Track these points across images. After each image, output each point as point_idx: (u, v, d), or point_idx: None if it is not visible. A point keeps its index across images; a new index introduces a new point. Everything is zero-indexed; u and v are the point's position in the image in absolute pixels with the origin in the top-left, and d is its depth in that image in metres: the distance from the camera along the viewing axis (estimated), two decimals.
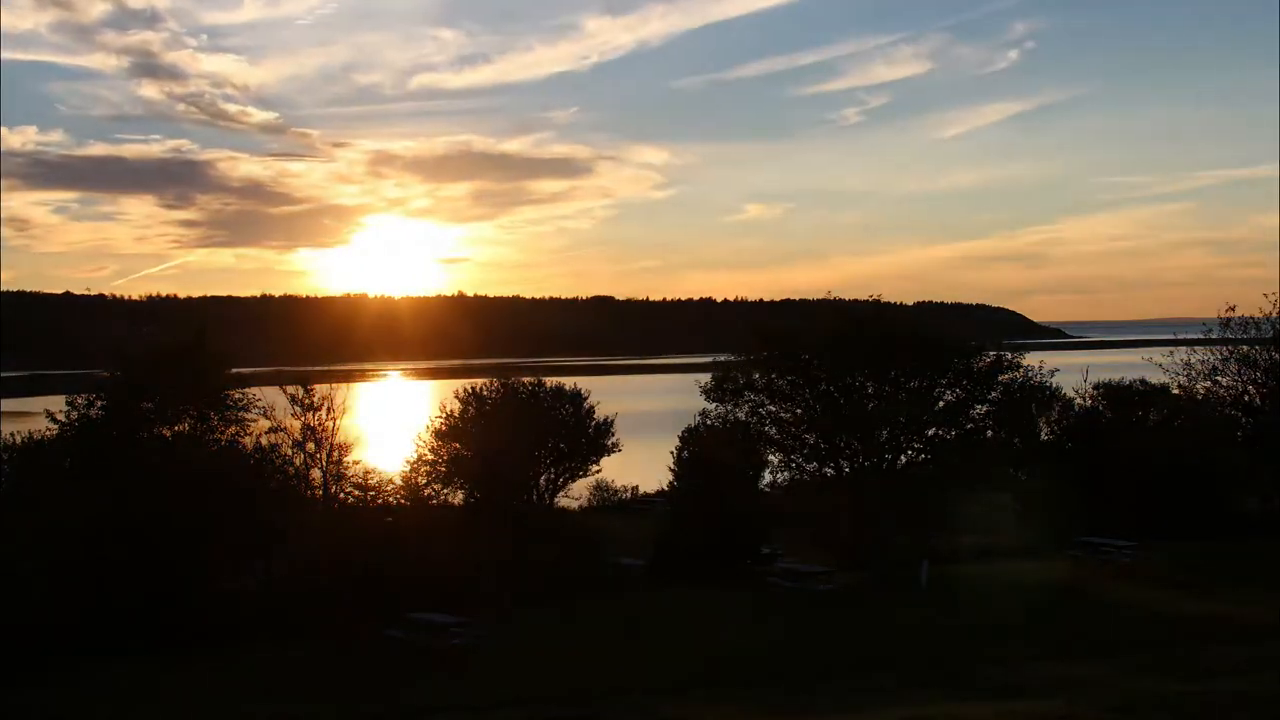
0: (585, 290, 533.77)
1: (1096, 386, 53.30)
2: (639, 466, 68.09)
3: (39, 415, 44.72)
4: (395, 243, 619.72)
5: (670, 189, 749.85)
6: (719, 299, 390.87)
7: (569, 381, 58.16)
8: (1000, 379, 40.99)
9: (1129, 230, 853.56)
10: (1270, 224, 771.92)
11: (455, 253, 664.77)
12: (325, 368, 47.04)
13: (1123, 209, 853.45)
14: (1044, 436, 50.90)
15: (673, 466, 47.96)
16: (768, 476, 45.38)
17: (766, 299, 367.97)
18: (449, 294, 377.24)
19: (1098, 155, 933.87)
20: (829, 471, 41.70)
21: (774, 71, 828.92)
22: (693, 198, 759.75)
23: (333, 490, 42.12)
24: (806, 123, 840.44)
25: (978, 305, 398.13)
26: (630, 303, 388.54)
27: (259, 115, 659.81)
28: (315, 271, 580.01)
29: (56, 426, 41.47)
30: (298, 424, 42.29)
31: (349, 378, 45.29)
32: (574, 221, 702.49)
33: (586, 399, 55.57)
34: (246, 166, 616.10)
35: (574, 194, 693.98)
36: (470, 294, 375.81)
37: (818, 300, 51.98)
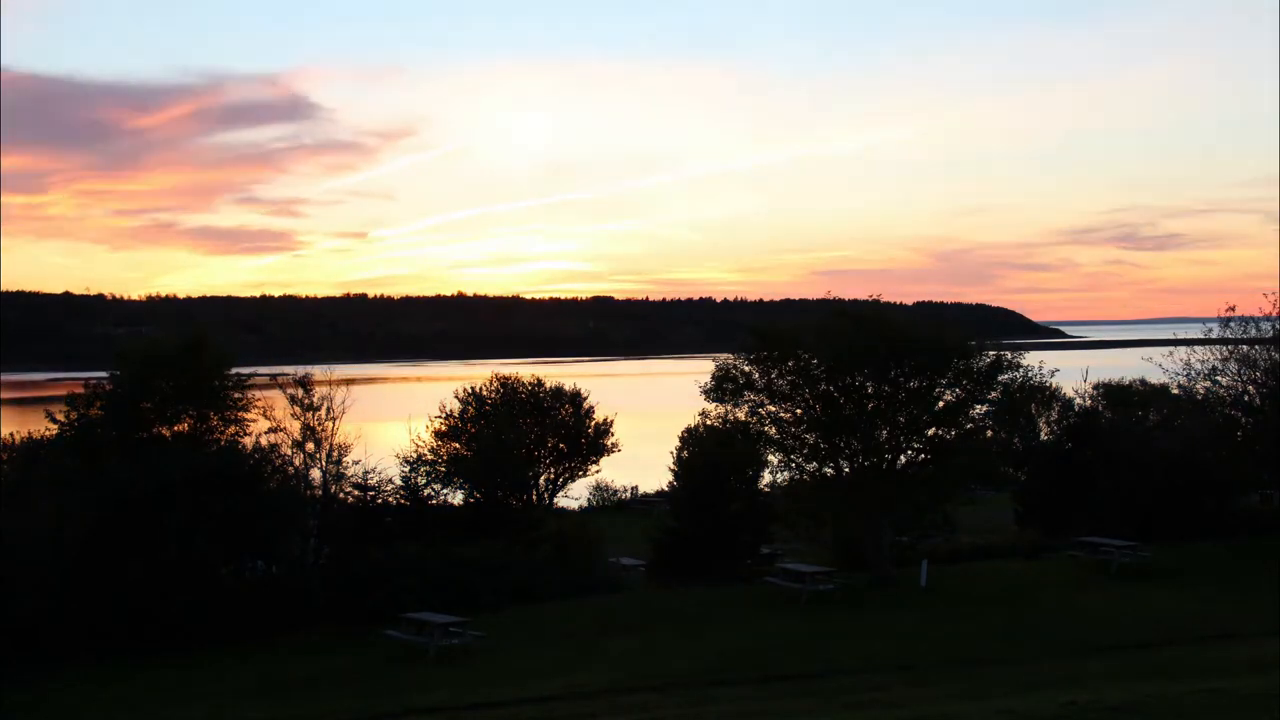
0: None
1: (1096, 386, 53.27)
2: (639, 466, 68.18)
3: (39, 415, 44.69)
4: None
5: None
6: (719, 299, 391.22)
7: (569, 381, 58.25)
8: (1000, 379, 40.97)
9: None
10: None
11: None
12: (325, 366, 47.12)
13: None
14: (1043, 436, 50.91)
15: (673, 466, 48.00)
16: (768, 476, 45.42)
17: (766, 299, 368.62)
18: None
19: None
20: (829, 471, 41.68)
21: None
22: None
23: (333, 490, 42.12)
24: None
25: (977, 305, 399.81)
26: (630, 302, 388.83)
27: None
28: None
29: (56, 426, 41.44)
30: (297, 424, 42.30)
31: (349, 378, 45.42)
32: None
33: (586, 399, 55.69)
34: None
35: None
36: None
37: (817, 300, 52.01)
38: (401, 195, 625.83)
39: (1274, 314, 46.22)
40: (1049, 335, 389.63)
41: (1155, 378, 52.04)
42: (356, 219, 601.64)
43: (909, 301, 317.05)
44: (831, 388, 40.69)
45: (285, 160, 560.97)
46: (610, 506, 69.79)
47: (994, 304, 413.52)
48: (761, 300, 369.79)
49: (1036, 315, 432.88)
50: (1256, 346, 46.23)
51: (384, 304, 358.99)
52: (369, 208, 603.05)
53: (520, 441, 51.82)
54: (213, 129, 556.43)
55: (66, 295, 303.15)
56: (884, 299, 46.98)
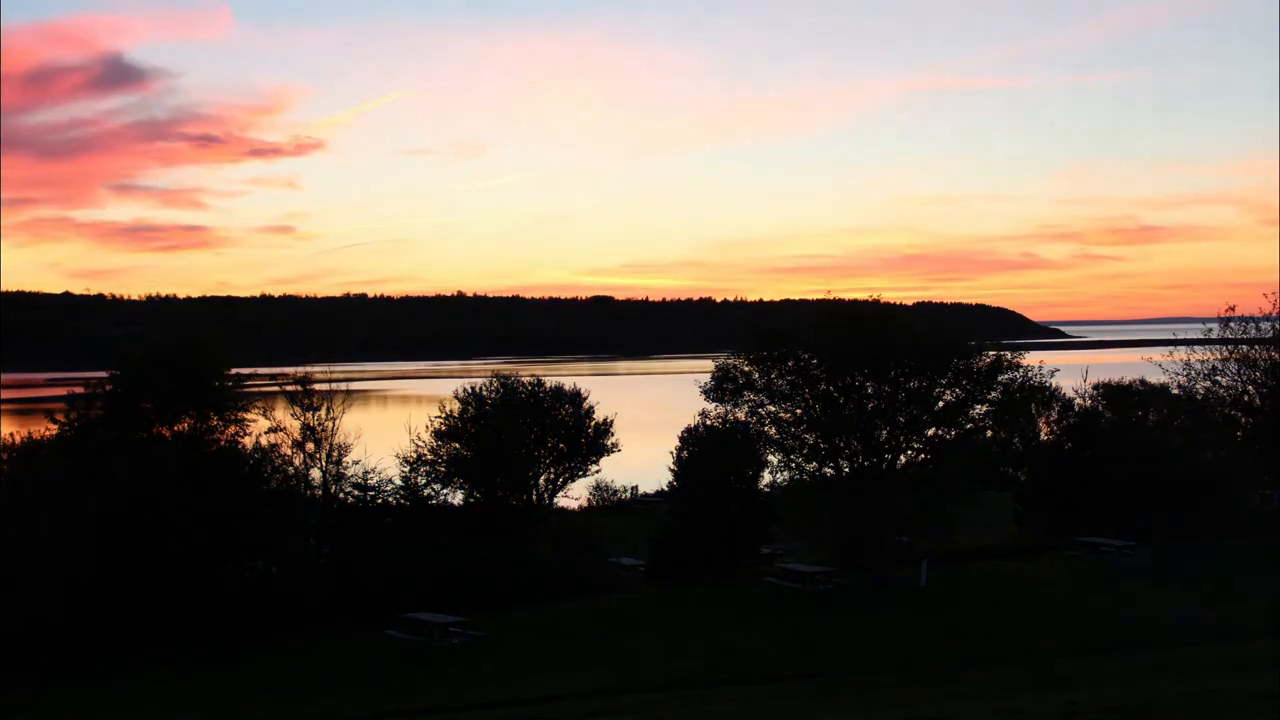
0: None
1: (1096, 386, 53.27)
2: (639, 466, 68.10)
3: (39, 415, 44.68)
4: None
5: None
6: (718, 299, 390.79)
7: (569, 381, 58.17)
8: (1000, 379, 40.99)
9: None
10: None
11: None
12: (325, 366, 47.31)
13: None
14: (1043, 436, 50.91)
15: (673, 466, 47.95)
16: (768, 476, 45.42)
17: (766, 299, 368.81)
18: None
19: None
20: (829, 471, 41.70)
21: None
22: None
23: (333, 490, 42.11)
24: None
25: (977, 305, 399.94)
26: (629, 302, 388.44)
27: None
28: None
29: (56, 427, 41.39)
30: (297, 424, 42.29)
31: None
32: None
33: (586, 399, 55.56)
34: None
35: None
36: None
37: (817, 300, 52.00)
38: (305, 184, 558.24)
39: (1274, 314, 46.27)
40: (1048, 335, 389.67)
41: (1155, 377, 52.06)
42: (271, 212, 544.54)
43: (909, 301, 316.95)
44: (831, 388, 40.70)
45: (147, 142, 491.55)
46: (610, 506, 69.74)
47: (992, 303, 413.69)
48: (761, 300, 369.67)
49: (1021, 312, 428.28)
50: (1256, 346, 46.24)
51: (384, 304, 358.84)
52: (275, 199, 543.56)
53: (520, 441, 51.70)
54: (34, 104, 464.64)
55: (66, 295, 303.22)
56: (883, 298, 46.98)
